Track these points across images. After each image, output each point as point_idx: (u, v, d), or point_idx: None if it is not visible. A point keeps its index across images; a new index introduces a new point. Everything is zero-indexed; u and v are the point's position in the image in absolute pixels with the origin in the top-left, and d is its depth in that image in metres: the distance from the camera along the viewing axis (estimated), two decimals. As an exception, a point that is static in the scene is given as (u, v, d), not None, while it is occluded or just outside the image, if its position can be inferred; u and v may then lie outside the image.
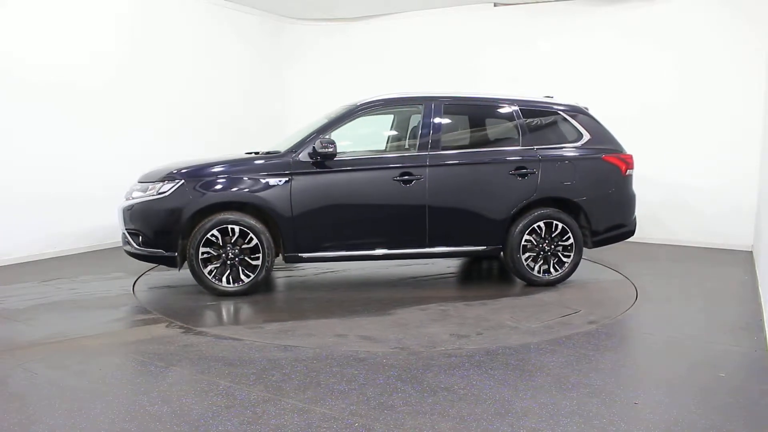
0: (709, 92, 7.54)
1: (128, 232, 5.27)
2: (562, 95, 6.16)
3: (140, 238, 5.17)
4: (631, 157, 5.72)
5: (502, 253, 5.56)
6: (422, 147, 5.39)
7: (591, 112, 5.85)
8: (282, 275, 6.24)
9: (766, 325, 4.42)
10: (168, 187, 5.09)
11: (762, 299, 5.04)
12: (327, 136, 5.22)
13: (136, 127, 7.60)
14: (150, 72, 7.75)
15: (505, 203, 5.42)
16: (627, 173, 5.69)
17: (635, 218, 5.88)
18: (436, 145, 5.40)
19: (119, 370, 3.58)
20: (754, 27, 7.25)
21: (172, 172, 5.18)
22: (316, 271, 6.37)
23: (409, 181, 5.28)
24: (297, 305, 5.13)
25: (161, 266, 6.18)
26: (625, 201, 5.75)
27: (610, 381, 3.43)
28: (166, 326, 4.42)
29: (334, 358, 3.75)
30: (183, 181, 5.10)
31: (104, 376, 3.46)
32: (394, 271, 6.28)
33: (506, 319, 4.58)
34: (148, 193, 5.18)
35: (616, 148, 5.69)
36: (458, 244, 5.48)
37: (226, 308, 4.98)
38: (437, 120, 5.46)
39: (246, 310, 4.96)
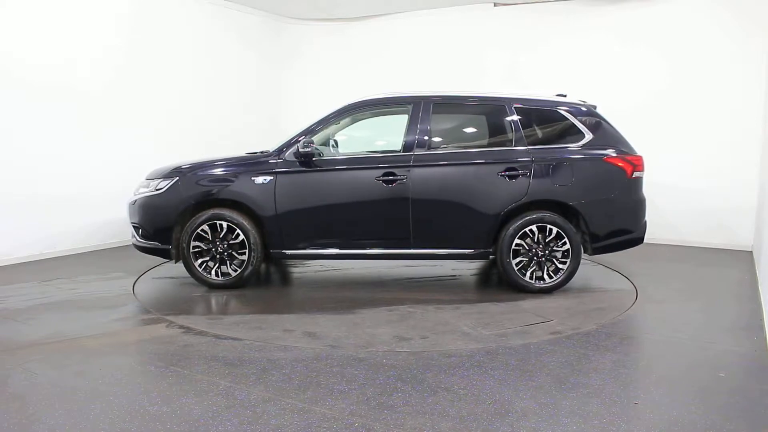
0: (709, 92, 7.54)
1: (132, 226, 5.64)
2: (564, 94, 6.04)
3: (140, 231, 5.53)
4: (639, 158, 5.34)
5: (492, 257, 5.38)
6: (408, 147, 5.35)
7: (599, 110, 5.55)
8: (282, 271, 6.28)
9: (766, 325, 4.42)
10: (164, 184, 5.42)
11: (762, 299, 5.04)
12: (310, 137, 5.33)
13: (136, 127, 7.60)
14: (150, 72, 7.75)
15: (492, 205, 5.22)
16: (633, 176, 5.29)
17: (645, 224, 5.46)
18: (422, 145, 5.33)
19: (119, 370, 3.58)
20: (754, 27, 7.26)
21: (169, 170, 5.50)
22: (318, 269, 6.40)
23: (392, 182, 5.25)
24: (271, 300, 5.25)
25: (160, 266, 6.34)
26: (631, 205, 5.34)
27: (610, 381, 3.43)
28: (166, 326, 4.42)
29: (334, 358, 3.75)
30: (178, 178, 5.41)
31: (104, 376, 3.46)
32: (396, 272, 6.28)
33: (465, 324, 4.45)
34: (149, 189, 5.51)
35: (621, 149, 5.32)
36: (443, 247, 5.35)
37: (204, 300, 5.20)
38: (425, 119, 5.37)
39: (220, 302, 5.17)
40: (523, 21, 8.61)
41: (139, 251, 5.64)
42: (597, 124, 5.39)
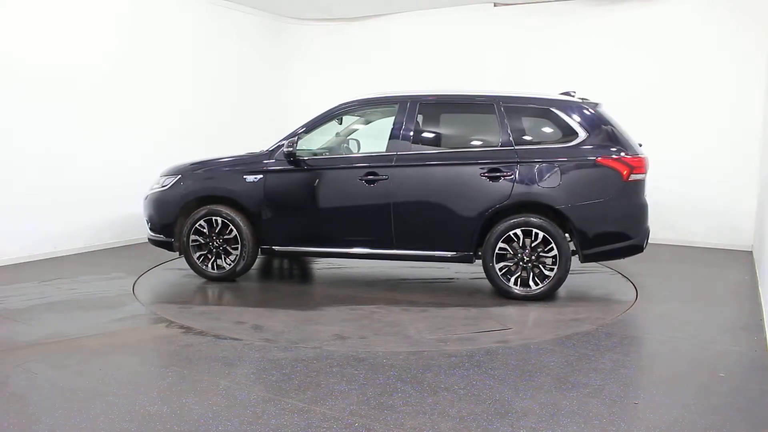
0: (709, 91, 7.53)
1: (145, 220, 5.98)
2: (573, 92, 5.73)
3: (150, 225, 5.90)
4: (639, 160, 4.96)
5: (477, 261, 5.21)
6: (391, 147, 5.32)
7: (602, 108, 5.26)
8: (302, 267, 6.56)
9: (766, 325, 4.42)
10: (169, 181, 5.77)
11: (762, 299, 5.04)
12: (297, 138, 5.45)
13: (136, 127, 7.59)
14: (150, 72, 7.74)
15: (474, 207, 5.06)
16: (630, 179, 4.91)
17: (646, 231, 5.10)
18: (406, 145, 5.27)
19: (119, 370, 3.58)
20: (754, 27, 7.25)
21: (175, 168, 5.86)
22: (322, 267, 6.52)
23: (374, 182, 5.24)
24: (251, 294, 5.46)
25: (160, 266, 6.39)
26: (628, 211, 4.99)
27: (610, 381, 3.43)
28: (166, 326, 4.42)
29: (334, 358, 3.75)
30: (181, 175, 5.74)
31: (104, 376, 3.46)
32: (396, 272, 6.26)
33: (415, 328, 4.39)
34: (158, 185, 5.87)
35: (618, 150, 4.96)
36: (425, 248, 5.26)
37: (189, 291, 5.51)
38: (410, 119, 5.31)
39: (203, 292, 5.48)
40: (523, 21, 8.60)
41: (150, 244, 6.00)
42: (593, 123, 5.07)
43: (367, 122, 6.20)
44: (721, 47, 7.46)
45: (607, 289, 5.68)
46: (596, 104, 5.28)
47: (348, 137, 6.18)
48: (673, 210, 7.73)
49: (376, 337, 4.19)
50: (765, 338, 4.17)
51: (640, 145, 5.27)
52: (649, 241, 5.28)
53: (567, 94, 5.43)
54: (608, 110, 5.40)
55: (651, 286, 5.65)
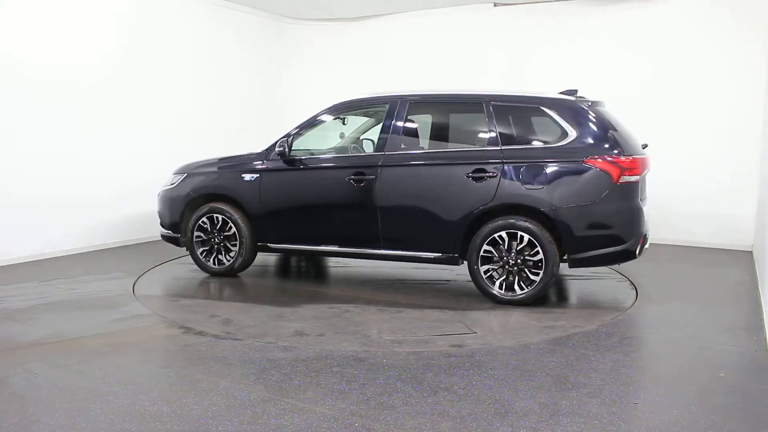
0: (709, 92, 7.53)
1: (158, 216, 6.24)
2: (575, 90, 5.57)
3: (160, 221, 6.18)
4: (633, 161, 4.71)
5: (462, 263, 5.14)
6: (380, 147, 5.34)
7: (600, 107, 5.08)
8: (307, 264, 6.74)
9: (766, 325, 4.42)
10: (177, 179, 6.04)
11: (762, 299, 5.04)
12: (290, 138, 5.56)
13: (136, 127, 7.59)
14: (150, 72, 7.74)
15: (458, 208, 4.96)
16: (621, 181, 4.67)
17: (640, 235, 4.85)
18: (394, 145, 5.26)
19: (119, 370, 3.58)
20: (754, 28, 7.25)
21: (182, 167, 6.11)
22: (334, 265, 6.62)
23: (361, 182, 5.25)
24: (239, 290, 5.60)
25: (160, 265, 6.43)
26: (619, 214, 4.74)
27: (610, 381, 3.43)
28: (166, 326, 4.42)
29: (334, 358, 3.76)
30: (187, 174, 5.98)
31: (104, 376, 3.46)
32: (396, 273, 6.24)
33: (378, 328, 4.37)
34: (169, 183, 6.13)
35: (610, 150, 4.72)
36: (412, 249, 5.22)
37: (183, 285, 5.76)
38: (398, 119, 5.29)
39: (200, 288, 5.66)
40: (523, 21, 8.59)
41: (162, 239, 6.24)
42: (586, 122, 4.85)
43: (368, 122, 6.21)
44: (721, 47, 7.46)
45: (605, 292, 5.67)
46: (595, 103, 5.13)
47: (361, 137, 6.19)
48: (673, 210, 7.73)
49: (335, 336, 4.21)
50: (765, 338, 4.17)
51: (645, 146, 5.19)
52: (650, 241, 5.16)
53: (570, 93, 5.27)
54: (610, 110, 5.29)
55: (651, 286, 5.64)
